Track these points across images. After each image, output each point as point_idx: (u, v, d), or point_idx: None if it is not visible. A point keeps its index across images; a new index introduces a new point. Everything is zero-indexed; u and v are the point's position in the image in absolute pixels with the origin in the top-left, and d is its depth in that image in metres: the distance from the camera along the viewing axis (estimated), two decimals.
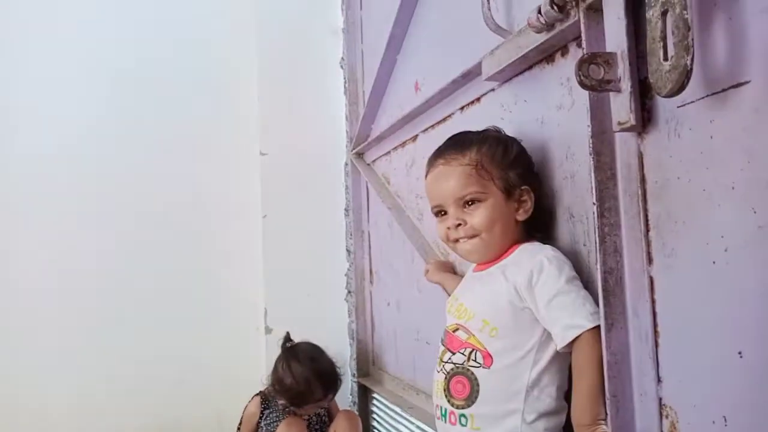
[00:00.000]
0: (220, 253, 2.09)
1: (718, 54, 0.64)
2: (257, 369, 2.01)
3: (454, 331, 0.96)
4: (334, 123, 2.14)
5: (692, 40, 0.58)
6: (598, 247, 0.77)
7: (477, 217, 0.93)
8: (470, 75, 1.20)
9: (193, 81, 2.10)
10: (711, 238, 0.65)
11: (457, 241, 0.96)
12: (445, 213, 0.97)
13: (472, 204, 0.93)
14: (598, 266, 0.77)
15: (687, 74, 0.58)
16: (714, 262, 0.65)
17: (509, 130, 1.08)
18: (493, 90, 1.16)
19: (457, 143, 0.99)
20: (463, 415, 0.89)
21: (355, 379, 1.99)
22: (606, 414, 0.77)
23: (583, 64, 0.72)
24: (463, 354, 0.92)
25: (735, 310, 0.63)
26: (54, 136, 1.93)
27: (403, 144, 1.64)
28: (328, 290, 2.09)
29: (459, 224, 0.95)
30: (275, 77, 2.13)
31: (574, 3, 0.82)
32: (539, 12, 0.86)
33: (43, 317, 1.89)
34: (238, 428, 1.81)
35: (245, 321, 2.06)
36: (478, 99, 1.22)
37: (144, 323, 1.98)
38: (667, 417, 0.73)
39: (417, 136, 1.54)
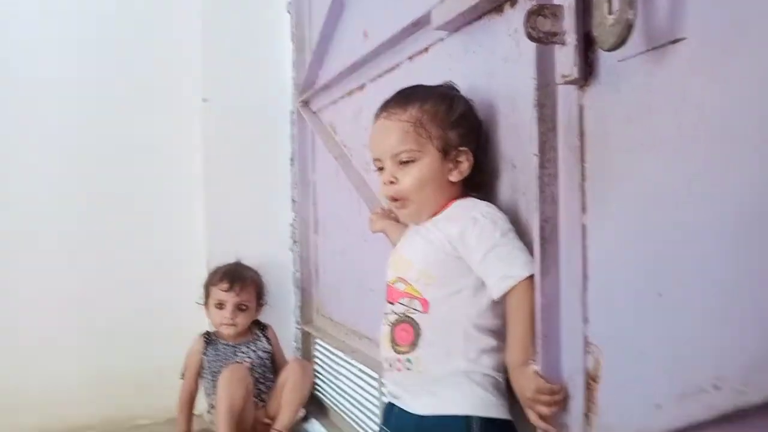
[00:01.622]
0: (160, 201, 2.03)
1: (658, 11, 0.66)
2: (200, 319, 2.00)
3: (393, 283, 0.99)
4: (280, 70, 2.08)
5: None
6: (537, 197, 0.80)
7: (408, 177, 0.94)
8: (419, 24, 1.19)
9: (134, 25, 1.99)
10: (642, 189, 0.69)
11: (393, 200, 0.98)
12: (383, 168, 0.98)
13: (407, 163, 0.94)
14: (536, 215, 0.80)
15: (629, 29, 0.60)
16: (643, 211, 0.69)
17: (458, 81, 1.09)
18: (442, 40, 1.16)
19: (402, 98, 0.98)
20: (408, 359, 0.93)
21: (299, 327, 2.02)
22: (536, 354, 0.82)
23: (531, 15, 0.73)
24: (402, 303, 0.95)
25: (657, 256, 0.68)
26: None
27: (350, 93, 1.62)
28: (272, 240, 2.08)
29: (392, 182, 0.96)
30: (219, 21, 2.04)
31: None
32: None
33: None
34: (183, 372, 1.82)
35: (187, 272, 2.03)
36: (426, 49, 1.22)
37: (84, 269, 1.94)
38: (591, 353, 0.78)
39: (365, 85, 1.53)
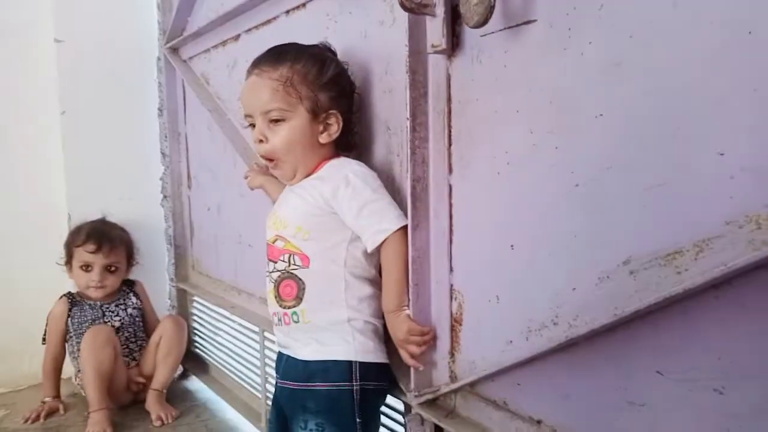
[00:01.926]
0: (14, 153, 1.82)
1: None
2: (59, 275, 1.87)
3: (273, 242, 1.01)
4: (145, 12, 1.92)
5: None
6: (409, 158, 0.87)
7: (277, 137, 0.96)
8: None
9: None
10: (497, 153, 0.78)
11: (267, 160, 1.00)
12: (254, 126, 0.99)
13: (277, 122, 0.96)
14: (408, 175, 0.87)
15: (491, 10, 0.67)
16: (498, 173, 0.79)
17: (334, 41, 1.10)
18: None
19: (274, 55, 0.98)
20: (294, 312, 0.97)
21: (174, 284, 1.97)
22: (408, 300, 0.91)
23: None
24: (283, 260, 0.98)
25: (510, 212, 0.78)
26: None
27: (224, 43, 1.56)
28: (141, 195, 1.97)
29: (261, 140, 0.98)
30: None
31: None
32: None
33: None
34: (44, 337, 1.70)
35: (45, 229, 1.87)
36: (303, 5, 1.21)
37: None
38: (456, 299, 0.88)
39: (239, 35, 1.48)
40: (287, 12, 1.27)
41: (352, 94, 1.02)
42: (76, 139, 1.86)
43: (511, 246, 0.78)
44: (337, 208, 0.94)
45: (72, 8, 1.83)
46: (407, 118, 0.86)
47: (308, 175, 1.01)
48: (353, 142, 1.04)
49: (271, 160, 1.00)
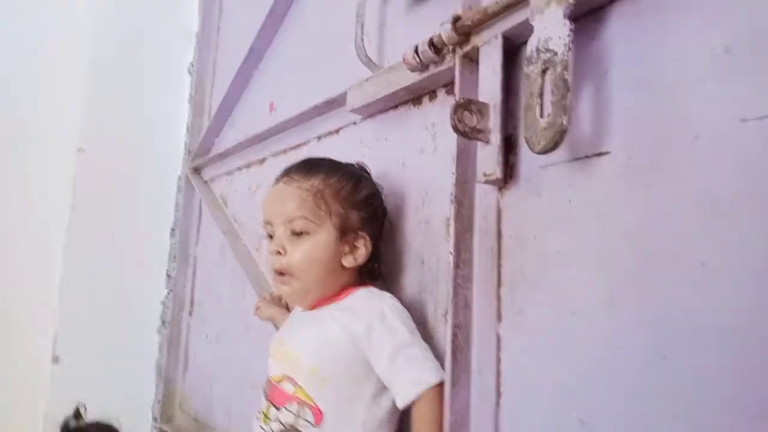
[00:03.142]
0: (12, 259, 1.71)
1: (584, 122, 0.65)
2: (33, 404, 1.66)
3: (279, 382, 0.85)
4: (173, 131, 1.93)
5: (570, 101, 0.58)
6: (450, 300, 0.74)
7: (299, 251, 0.84)
8: (333, 104, 1.14)
9: (13, 59, 1.75)
10: (560, 301, 0.65)
11: (279, 275, 0.87)
12: (273, 237, 0.88)
13: (300, 235, 0.85)
14: (448, 319, 0.73)
15: (562, 133, 0.58)
16: (562, 326, 0.65)
17: (370, 166, 1.04)
18: (354, 123, 1.11)
19: (307, 165, 0.91)
20: None
21: (157, 425, 1.74)
22: None
23: (459, 108, 0.70)
24: (290, 410, 0.81)
25: (579, 376, 0.62)
26: None
27: (248, 165, 1.52)
28: (138, 318, 1.82)
29: (280, 252, 0.86)
30: (108, 72, 1.86)
31: (451, 48, 0.81)
32: (416, 51, 0.84)
33: None
34: None
35: (27, 343, 1.70)
36: (337, 131, 1.17)
37: None
38: None
39: (265, 159, 1.44)
40: (319, 137, 1.23)
41: (383, 219, 0.92)
42: (80, 248, 1.75)
43: (581, 421, 0.61)
44: (368, 351, 0.79)
45: (99, 120, 1.82)
46: (450, 253, 0.75)
47: (325, 301, 0.87)
48: (379, 271, 0.92)
49: (283, 275, 0.87)
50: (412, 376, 0.75)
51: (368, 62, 1.03)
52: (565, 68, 0.58)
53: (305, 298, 0.88)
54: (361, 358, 0.79)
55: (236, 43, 1.70)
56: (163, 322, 1.83)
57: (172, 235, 1.88)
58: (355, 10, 1.04)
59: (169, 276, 1.85)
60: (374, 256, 0.89)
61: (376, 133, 1.05)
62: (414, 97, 0.95)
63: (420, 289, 0.88)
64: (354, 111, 1.05)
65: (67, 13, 1.82)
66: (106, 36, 1.85)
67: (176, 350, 1.76)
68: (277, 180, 0.91)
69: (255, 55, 1.54)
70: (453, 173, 0.77)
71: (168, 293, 1.84)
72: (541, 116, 0.60)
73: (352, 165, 0.94)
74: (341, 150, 1.14)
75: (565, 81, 0.58)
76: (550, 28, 0.61)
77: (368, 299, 0.84)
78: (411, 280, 0.91)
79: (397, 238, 0.95)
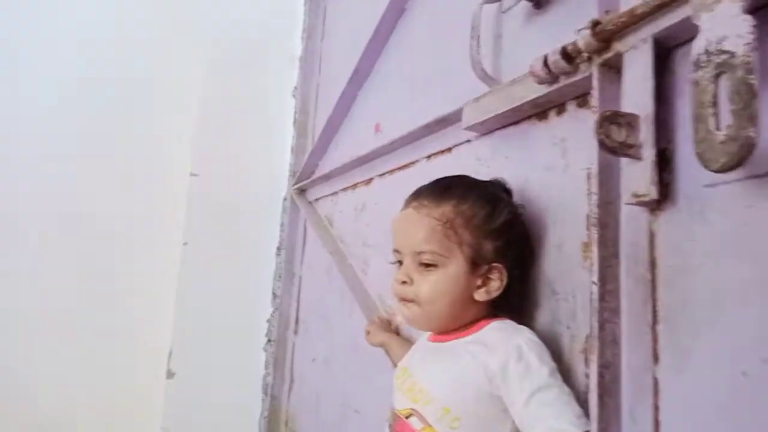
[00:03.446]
0: (129, 279, 1.82)
1: (766, 133, 0.56)
2: (151, 416, 1.74)
3: (406, 417, 0.80)
4: (277, 154, 1.98)
5: (757, 109, 0.49)
6: (595, 335, 0.66)
7: (426, 284, 0.79)
8: (445, 122, 1.10)
9: (130, 88, 1.87)
10: (740, 344, 0.56)
11: (401, 300, 0.83)
12: (402, 263, 0.83)
13: (428, 267, 0.80)
14: (594, 358, 0.65)
15: (749, 148, 0.49)
16: (743, 374, 0.55)
17: None
18: (469, 141, 1.06)
19: (438, 189, 0.84)
20: None
21: None
22: None
23: (605, 121, 0.63)
24: None
25: None
26: None
27: (354, 186, 1.51)
28: (245, 335, 1.87)
29: (405, 282, 0.81)
30: (218, 96, 1.95)
31: (587, 57, 0.73)
32: (545, 61, 0.77)
33: None
34: None
35: (144, 359, 1.79)
36: (449, 149, 1.12)
37: (33, 351, 1.66)
38: None
39: (372, 179, 1.42)
40: (429, 157, 1.19)
41: (523, 246, 0.84)
42: (192, 269, 1.83)
43: None
44: (504, 390, 0.71)
45: (211, 145, 1.91)
46: (594, 283, 0.67)
47: (456, 333, 0.81)
48: (515, 305, 0.84)
49: (401, 300, 0.83)
50: (549, 423, 0.67)
51: (485, 77, 0.98)
52: (749, 71, 0.50)
53: (428, 325, 0.85)
54: (495, 397, 0.73)
55: (339, 65, 1.72)
56: (269, 340, 1.86)
57: (277, 254, 1.91)
58: (470, 24, 0.99)
59: (275, 295, 1.88)
60: (511, 287, 0.81)
61: (494, 151, 0.99)
62: (539, 111, 0.88)
63: (552, 321, 0.81)
64: (469, 128, 1.00)
65: (181, 42, 1.93)
66: (217, 62, 1.94)
67: (282, 368, 1.78)
68: (407, 203, 0.86)
69: (359, 76, 1.53)
70: (592, 193, 0.70)
71: (273, 311, 1.87)
72: (718, 128, 0.52)
73: (490, 184, 0.87)
74: (454, 169, 1.08)
75: (749, 86, 0.49)
76: (724, 26, 0.52)
77: (504, 333, 0.77)
78: (542, 311, 0.83)
79: (528, 270, 0.87)
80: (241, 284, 1.90)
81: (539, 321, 0.83)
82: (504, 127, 0.96)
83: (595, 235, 0.68)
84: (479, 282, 0.79)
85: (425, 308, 0.80)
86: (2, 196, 1.66)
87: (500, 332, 0.77)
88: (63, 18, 1.79)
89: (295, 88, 2.00)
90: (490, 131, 0.99)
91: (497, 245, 0.79)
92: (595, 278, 0.67)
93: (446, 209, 0.80)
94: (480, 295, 0.79)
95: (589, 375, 0.69)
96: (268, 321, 1.88)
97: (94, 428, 1.72)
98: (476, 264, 0.79)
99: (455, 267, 0.79)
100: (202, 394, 1.78)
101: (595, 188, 0.69)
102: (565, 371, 0.75)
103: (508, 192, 0.87)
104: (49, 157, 1.72)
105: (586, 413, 0.67)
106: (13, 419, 1.62)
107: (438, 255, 0.79)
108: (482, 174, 1.00)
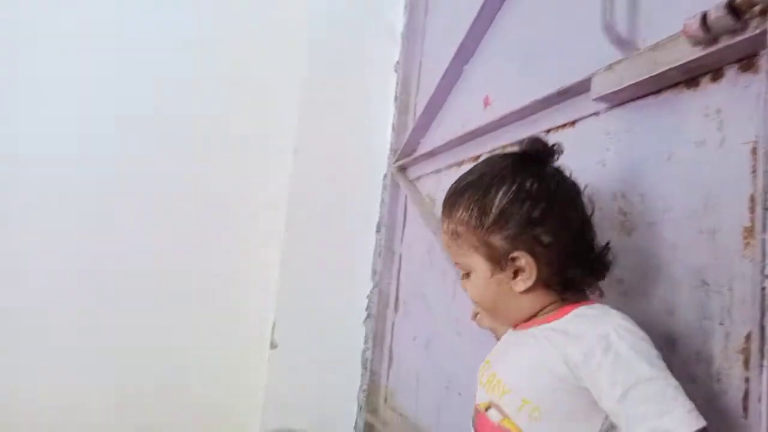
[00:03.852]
0: (234, 252, 1.89)
1: None
2: (256, 385, 1.82)
3: (485, 410, 0.75)
4: (378, 131, 1.96)
5: None
6: (764, 335, 0.57)
7: (470, 289, 0.80)
8: (568, 93, 1.01)
9: (232, 65, 1.91)
10: None
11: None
12: None
13: (468, 274, 0.79)
14: (764, 362, 0.57)
15: None
16: None
17: (615, 163, 0.90)
18: (596, 114, 0.97)
19: (448, 199, 0.81)
20: None
21: (362, 415, 1.78)
22: None
23: None
24: None
25: None
26: (77, 127, 1.72)
27: (459, 163, 1.45)
28: (346, 310, 1.88)
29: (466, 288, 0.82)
30: (321, 73, 1.95)
31: (758, 11, 0.63)
32: (703, 19, 0.68)
33: (47, 319, 1.67)
34: None
35: (249, 331, 1.86)
36: (572, 122, 1.04)
37: (143, 320, 1.77)
38: None
39: (480, 156, 1.35)
40: (547, 131, 1.11)
41: (547, 219, 0.73)
42: (295, 244, 1.86)
43: None
44: (589, 382, 0.64)
45: (314, 122, 1.92)
46: (764, 275, 0.58)
47: (535, 321, 0.75)
48: (581, 279, 0.76)
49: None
50: (653, 425, 0.58)
51: (620, 42, 0.89)
52: None
53: (498, 322, 0.88)
54: (581, 390, 0.65)
55: (444, 39, 1.65)
56: (368, 316, 1.86)
57: (377, 231, 1.90)
58: None
59: (374, 271, 1.88)
60: (563, 263, 0.73)
61: (628, 124, 0.89)
62: (688, 78, 0.78)
63: (700, 317, 0.72)
64: (599, 99, 0.91)
65: (282, 18, 1.94)
66: (318, 39, 1.94)
67: (381, 345, 1.78)
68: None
69: (466, 51, 1.47)
70: (761, 171, 0.60)
71: (373, 288, 1.87)
72: None
73: (484, 174, 0.78)
74: (578, 144, 1.00)
75: None
76: None
77: (590, 320, 0.69)
78: (686, 305, 0.74)
79: (661, 247, 0.79)
80: (341, 260, 1.91)
81: (681, 316, 0.74)
82: (641, 97, 0.87)
83: (762, 220, 0.59)
84: (511, 275, 0.74)
85: (483, 308, 0.84)
86: (125, 161, 1.76)
87: (585, 319, 0.70)
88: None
89: (397, 63, 1.96)
90: (623, 102, 0.90)
91: (506, 234, 0.74)
92: (764, 269, 0.58)
93: (451, 223, 0.79)
94: (519, 286, 0.74)
95: (749, 379, 0.61)
96: (368, 297, 1.88)
97: (204, 394, 1.82)
98: (497, 261, 0.75)
99: (481, 270, 0.76)
100: (303, 364, 1.83)
101: (764, 165, 0.60)
102: (716, 372, 0.67)
103: (508, 165, 0.77)
104: (161, 138, 1.81)
105: (738, 418, 0.59)
106: (130, 386, 1.74)
107: (464, 264, 0.79)
108: (613, 150, 0.92)
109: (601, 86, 0.89)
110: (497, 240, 0.74)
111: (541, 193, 0.74)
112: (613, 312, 0.69)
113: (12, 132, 1.67)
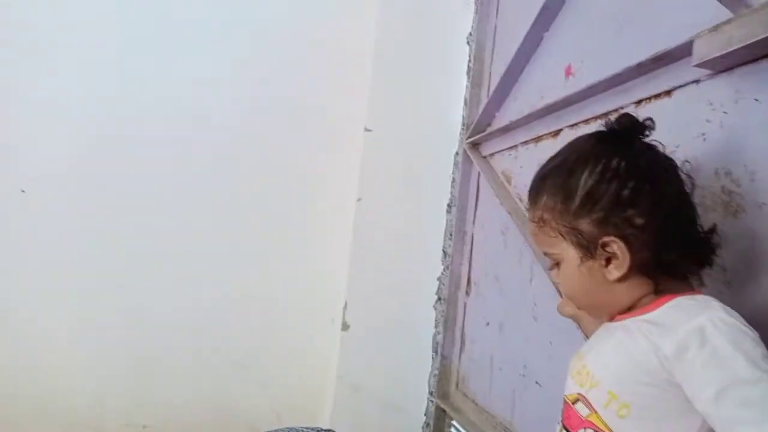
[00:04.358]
0: (305, 233, 1.90)
1: None
2: (327, 365, 1.84)
3: (573, 403, 0.70)
4: (450, 106, 1.88)
5: None
6: None
7: (561, 281, 0.76)
8: (665, 59, 0.91)
9: (304, 45, 1.90)
10: None
11: None
12: None
13: (557, 264, 0.74)
14: None
15: None
16: None
17: (718, 137, 0.80)
18: (696, 82, 0.87)
19: (533, 190, 0.76)
20: None
21: (433, 399, 1.76)
22: None
23: None
24: None
25: None
26: (138, 99, 1.78)
27: (537, 138, 1.37)
28: (416, 293, 1.85)
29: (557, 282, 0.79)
30: (392, 48, 1.89)
31: None
32: None
33: (107, 300, 1.76)
34: None
35: (321, 312, 1.88)
36: (668, 92, 0.93)
37: (220, 302, 1.83)
38: None
39: (561, 131, 1.27)
40: (638, 102, 1.01)
41: (638, 198, 0.66)
42: (366, 227, 1.85)
43: None
44: (681, 378, 0.58)
45: (384, 100, 1.87)
46: None
47: (630, 312, 0.69)
48: (682, 264, 0.68)
49: None
50: (752, 428, 0.51)
51: (728, 0, 0.78)
52: None
53: (591, 315, 0.81)
54: (674, 387, 0.59)
55: (519, 7, 1.55)
56: (439, 299, 1.83)
57: (448, 211, 1.85)
58: None
59: (445, 253, 1.83)
60: (660, 246, 0.66)
61: (735, 93, 0.79)
62: None
63: None
64: (701, 65, 0.81)
65: None
66: (389, 11, 1.89)
67: (452, 328, 1.74)
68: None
69: (546, 17, 1.36)
70: None
71: (444, 270, 1.83)
72: None
73: (566, 159, 0.73)
74: (675, 116, 0.90)
75: None
76: None
77: (686, 312, 0.62)
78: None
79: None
80: (412, 240, 1.88)
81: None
82: (752, 61, 0.76)
83: None
84: (603, 263, 0.68)
85: (576, 302, 0.77)
86: (202, 144, 1.81)
87: (681, 311, 0.62)
88: None
89: (470, 34, 1.87)
90: (730, 68, 0.79)
91: (594, 218, 0.68)
92: None
93: (537, 211, 0.74)
94: (612, 275, 0.68)
95: None
96: (439, 279, 1.84)
97: (276, 372, 1.86)
98: (586, 248, 0.69)
99: (571, 258, 0.71)
100: (374, 346, 1.83)
101: None
102: None
103: (591, 147, 0.71)
104: (234, 118, 1.84)
105: None
106: (206, 360, 1.81)
107: (551, 254, 0.74)
108: (716, 121, 0.82)
109: (704, 50, 0.78)
110: (585, 225, 0.69)
111: (630, 170, 0.67)
112: (715, 303, 0.62)
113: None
